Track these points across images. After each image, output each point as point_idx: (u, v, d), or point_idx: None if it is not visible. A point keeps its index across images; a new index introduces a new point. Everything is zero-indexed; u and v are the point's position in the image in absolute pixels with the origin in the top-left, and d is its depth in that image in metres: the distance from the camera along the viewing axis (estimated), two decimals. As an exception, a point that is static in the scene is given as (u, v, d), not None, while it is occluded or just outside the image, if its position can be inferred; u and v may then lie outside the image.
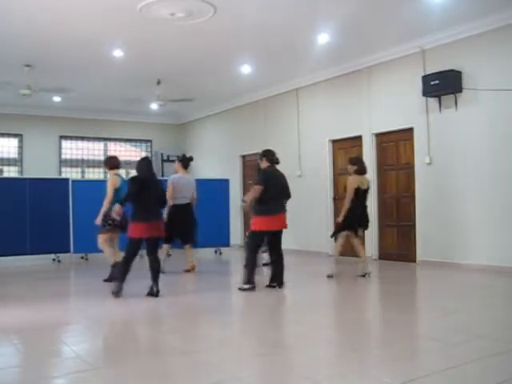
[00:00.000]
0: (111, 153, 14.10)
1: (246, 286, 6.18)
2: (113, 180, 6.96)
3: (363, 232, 7.53)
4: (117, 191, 6.85)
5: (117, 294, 5.78)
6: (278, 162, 6.55)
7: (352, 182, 7.11)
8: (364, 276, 7.08)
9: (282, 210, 6.50)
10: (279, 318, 5.27)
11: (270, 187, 6.26)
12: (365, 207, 7.26)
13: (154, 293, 5.84)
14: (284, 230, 6.48)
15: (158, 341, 4.30)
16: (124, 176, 7.34)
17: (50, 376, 3.39)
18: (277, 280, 6.37)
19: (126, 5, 6.67)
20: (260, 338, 4.27)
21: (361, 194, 7.11)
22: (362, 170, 7.18)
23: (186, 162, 8.21)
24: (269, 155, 6.51)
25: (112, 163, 7.22)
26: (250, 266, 6.28)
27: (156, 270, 5.94)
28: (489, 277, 6.99)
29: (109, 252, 6.94)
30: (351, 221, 7.09)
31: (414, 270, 7.99)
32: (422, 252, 8.38)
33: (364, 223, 7.31)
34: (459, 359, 3.44)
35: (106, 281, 6.76)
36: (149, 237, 5.87)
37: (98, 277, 6.99)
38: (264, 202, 6.25)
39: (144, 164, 6.14)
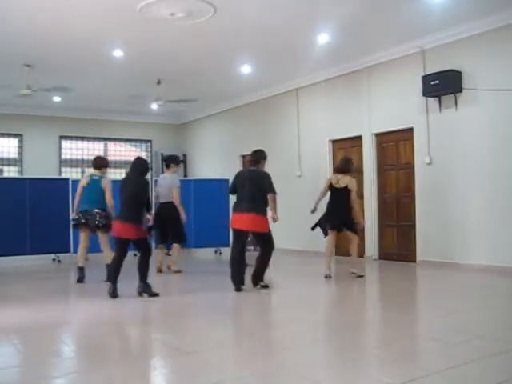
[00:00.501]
0: (111, 153, 14.17)
1: (235, 287, 6.18)
2: (82, 180, 7.34)
3: (336, 232, 7.18)
4: (84, 190, 7.14)
5: (112, 294, 5.78)
6: (252, 164, 6.39)
7: (327, 178, 7.45)
8: (362, 276, 7.08)
9: (247, 209, 6.10)
10: (278, 318, 5.27)
11: (237, 187, 6.34)
12: (342, 208, 6.99)
13: (143, 293, 5.85)
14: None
15: (157, 341, 4.30)
16: (107, 176, 7.49)
17: (50, 376, 3.38)
18: (253, 279, 6.30)
19: (126, 5, 6.68)
20: (259, 337, 4.27)
21: (335, 193, 7.08)
22: (338, 169, 7.25)
23: (167, 161, 8.28)
24: (249, 156, 6.58)
25: (93, 163, 7.42)
26: (232, 265, 6.25)
27: (140, 271, 5.93)
28: (489, 277, 6.98)
29: (80, 253, 7.18)
30: (324, 217, 7.16)
31: (414, 270, 7.98)
32: (421, 252, 8.38)
33: (347, 225, 7.04)
34: (459, 359, 3.44)
35: (105, 281, 6.75)
36: (133, 238, 5.92)
37: (98, 277, 6.98)
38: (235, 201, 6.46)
39: (131, 165, 6.22)
